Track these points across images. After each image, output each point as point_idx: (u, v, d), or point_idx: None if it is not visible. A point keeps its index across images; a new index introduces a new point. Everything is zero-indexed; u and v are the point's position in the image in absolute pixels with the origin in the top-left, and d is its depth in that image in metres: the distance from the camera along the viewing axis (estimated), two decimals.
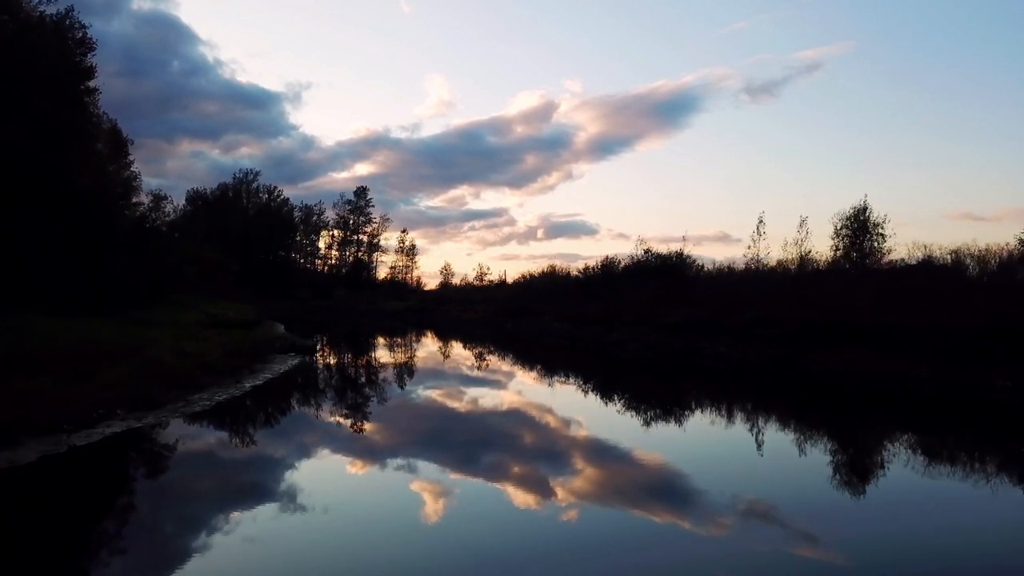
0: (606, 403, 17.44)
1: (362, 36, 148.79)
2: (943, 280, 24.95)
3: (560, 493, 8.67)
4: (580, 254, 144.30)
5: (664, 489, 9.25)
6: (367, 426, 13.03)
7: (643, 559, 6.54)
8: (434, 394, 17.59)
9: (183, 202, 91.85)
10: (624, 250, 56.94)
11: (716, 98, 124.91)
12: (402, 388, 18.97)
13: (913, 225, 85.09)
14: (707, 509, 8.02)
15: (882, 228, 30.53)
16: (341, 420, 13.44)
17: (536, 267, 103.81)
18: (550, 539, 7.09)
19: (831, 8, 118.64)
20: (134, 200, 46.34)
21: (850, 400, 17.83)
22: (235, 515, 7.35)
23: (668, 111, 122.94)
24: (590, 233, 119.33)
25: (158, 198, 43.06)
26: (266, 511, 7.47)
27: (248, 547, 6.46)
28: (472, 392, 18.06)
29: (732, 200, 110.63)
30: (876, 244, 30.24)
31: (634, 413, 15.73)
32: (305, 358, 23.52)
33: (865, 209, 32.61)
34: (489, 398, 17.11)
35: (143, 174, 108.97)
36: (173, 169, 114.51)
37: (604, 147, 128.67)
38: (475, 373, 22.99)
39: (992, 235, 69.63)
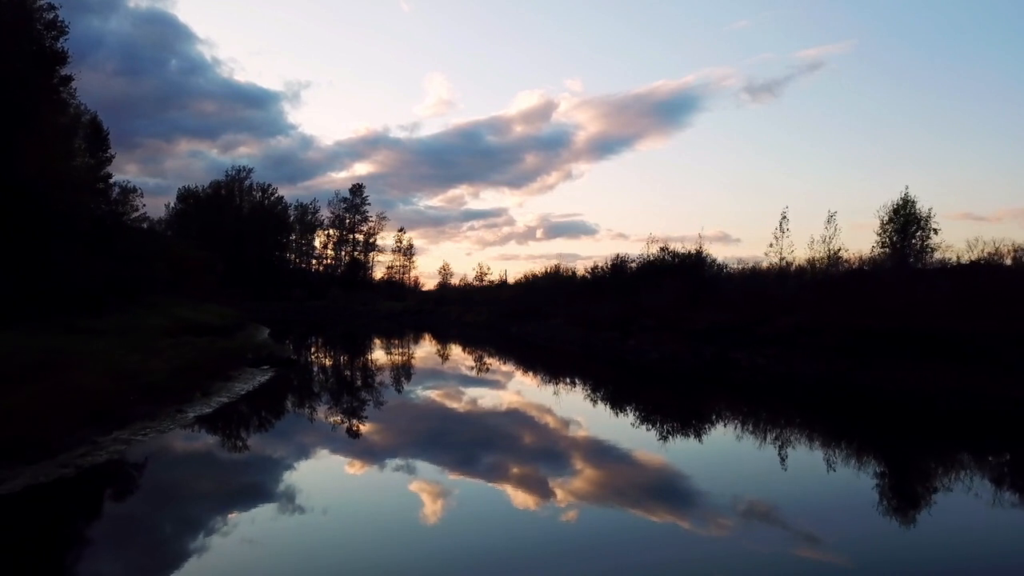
0: (649, 430, 14.13)
1: (361, 35, 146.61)
2: (1015, 281, 21.79)
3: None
4: (579, 254, 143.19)
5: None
6: (349, 494, 9.76)
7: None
8: (440, 422, 14.37)
9: (174, 200, 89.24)
10: (624, 250, 53.76)
11: (717, 98, 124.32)
12: (397, 416, 15.74)
13: None
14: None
15: (931, 222, 27.26)
16: (308, 480, 10.12)
17: (537, 267, 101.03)
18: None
19: (833, 7, 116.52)
20: (114, 196, 43.18)
21: (941, 429, 14.59)
22: None
23: (668, 111, 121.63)
24: (589, 233, 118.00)
25: (126, 191, 39.37)
26: None
27: None
28: (492, 423, 14.84)
29: (732, 200, 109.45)
30: (927, 240, 26.96)
31: (688, 442, 12.46)
32: (280, 372, 20.24)
33: (907, 202, 29.44)
34: (515, 431, 13.88)
35: (141, 174, 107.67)
36: (172, 169, 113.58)
37: (604, 147, 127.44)
38: (490, 392, 19.77)
39: (992, 235, 67.23)
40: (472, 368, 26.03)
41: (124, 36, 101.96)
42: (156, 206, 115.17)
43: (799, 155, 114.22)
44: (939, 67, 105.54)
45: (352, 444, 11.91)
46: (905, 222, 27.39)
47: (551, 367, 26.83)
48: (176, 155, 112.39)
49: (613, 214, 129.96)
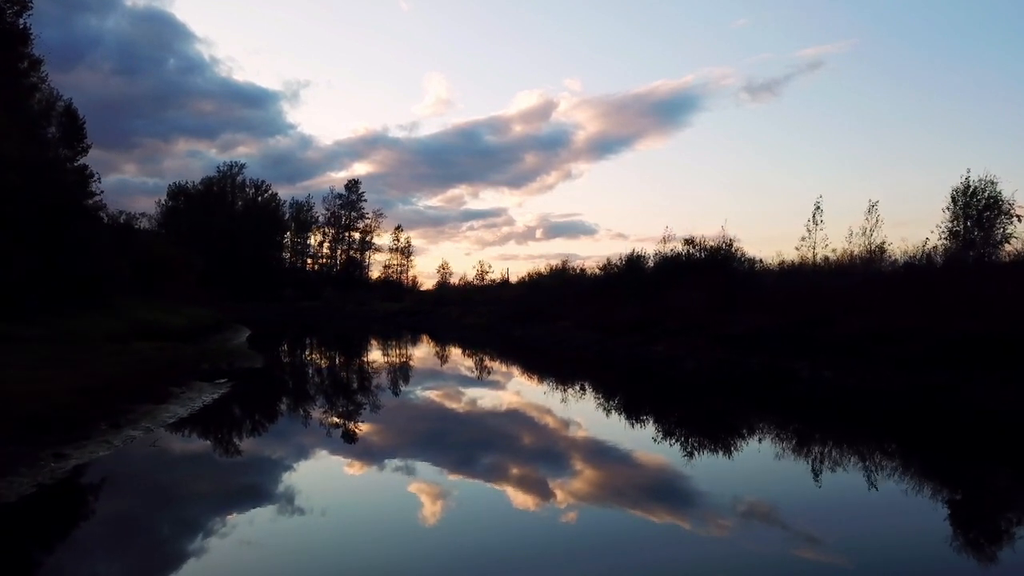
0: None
1: (361, 34, 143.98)
2: None
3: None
4: (579, 254, 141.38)
5: None
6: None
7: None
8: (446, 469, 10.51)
9: (165, 197, 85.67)
10: (624, 249, 49.98)
11: (716, 97, 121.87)
12: (386, 465, 11.87)
13: (913, 225, 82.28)
14: None
15: (1014, 207, 23.26)
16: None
17: (538, 267, 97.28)
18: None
19: (833, 7, 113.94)
20: (90, 189, 39.01)
21: None
22: None
23: (668, 110, 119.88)
24: (589, 233, 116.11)
25: (84, 176, 35.30)
26: None
27: None
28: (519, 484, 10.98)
29: (732, 200, 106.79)
30: (1007, 228, 23.01)
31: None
32: (238, 388, 16.38)
33: (968, 188, 25.41)
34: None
35: (140, 174, 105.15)
36: (170, 169, 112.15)
37: (603, 146, 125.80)
38: (510, 426, 15.91)
39: None
40: (478, 377, 22.22)
41: (122, 35, 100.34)
42: (153, 206, 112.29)
43: (799, 155, 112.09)
44: (939, 67, 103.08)
45: (310, 513, 8.02)
46: (984, 207, 23.47)
47: (571, 379, 22.96)
48: (175, 155, 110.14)
49: (613, 214, 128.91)
